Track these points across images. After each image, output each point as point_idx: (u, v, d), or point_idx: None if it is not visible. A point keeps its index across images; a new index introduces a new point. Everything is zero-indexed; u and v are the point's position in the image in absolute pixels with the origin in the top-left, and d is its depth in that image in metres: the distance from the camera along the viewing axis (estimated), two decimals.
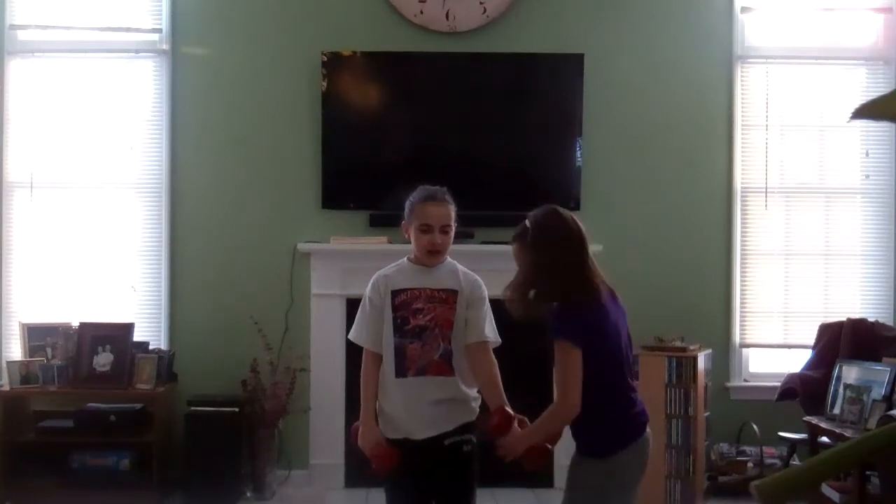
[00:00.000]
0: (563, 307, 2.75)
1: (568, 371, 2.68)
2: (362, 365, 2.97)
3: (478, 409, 3.00)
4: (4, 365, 4.86)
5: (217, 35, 5.08)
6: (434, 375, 2.90)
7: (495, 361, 2.96)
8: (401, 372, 2.90)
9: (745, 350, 5.18)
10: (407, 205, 2.98)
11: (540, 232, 2.78)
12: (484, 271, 4.89)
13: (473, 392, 2.99)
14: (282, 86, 5.04)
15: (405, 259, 3.02)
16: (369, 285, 2.98)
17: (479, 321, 2.93)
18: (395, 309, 2.91)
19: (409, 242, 3.00)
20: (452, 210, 2.98)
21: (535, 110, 5.00)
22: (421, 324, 2.90)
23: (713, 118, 5.13)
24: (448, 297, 2.92)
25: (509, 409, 2.89)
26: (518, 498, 4.74)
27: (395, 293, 2.92)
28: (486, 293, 2.98)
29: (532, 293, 2.77)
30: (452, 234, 2.98)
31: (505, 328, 3.01)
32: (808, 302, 5.17)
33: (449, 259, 3.02)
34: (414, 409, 2.90)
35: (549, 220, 2.82)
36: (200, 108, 5.06)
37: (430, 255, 2.94)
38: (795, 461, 4.77)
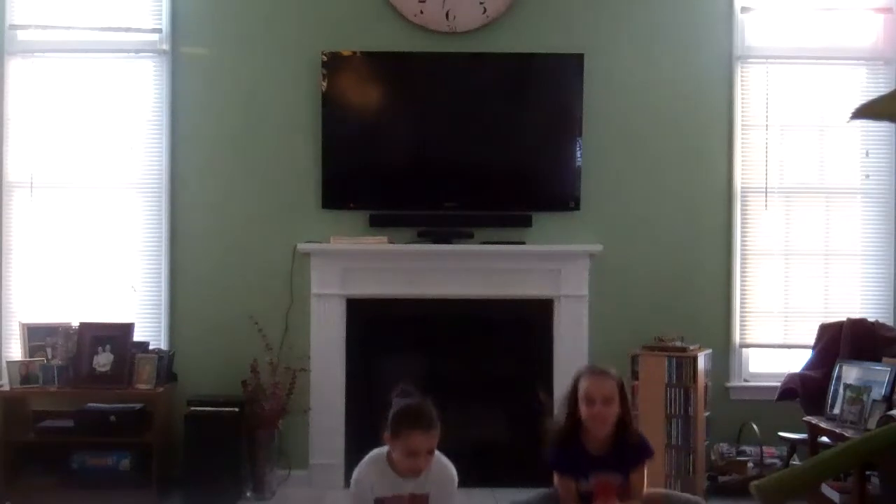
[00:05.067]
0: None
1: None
2: None
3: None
4: (4, 365, 4.86)
5: (217, 35, 5.08)
6: None
7: None
8: None
9: (745, 350, 5.18)
10: (390, 420, 3.07)
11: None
12: (484, 271, 4.96)
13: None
14: (282, 86, 5.04)
15: (383, 459, 3.13)
16: (355, 482, 3.14)
17: None
18: None
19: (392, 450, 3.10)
20: (437, 433, 3.06)
21: (535, 110, 5.00)
22: None
23: (713, 118, 5.13)
24: (424, 501, 3.11)
25: None
26: (518, 498, 4.73)
27: (378, 500, 3.09)
28: (455, 484, 3.16)
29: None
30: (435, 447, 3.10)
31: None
32: (808, 302, 5.17)
33: None
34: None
35: None
36: (200, 108, 5.06)
37: (414, 475, 3.08)
38: (795, 461, 4.77)
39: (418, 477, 3.10)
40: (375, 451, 3.18)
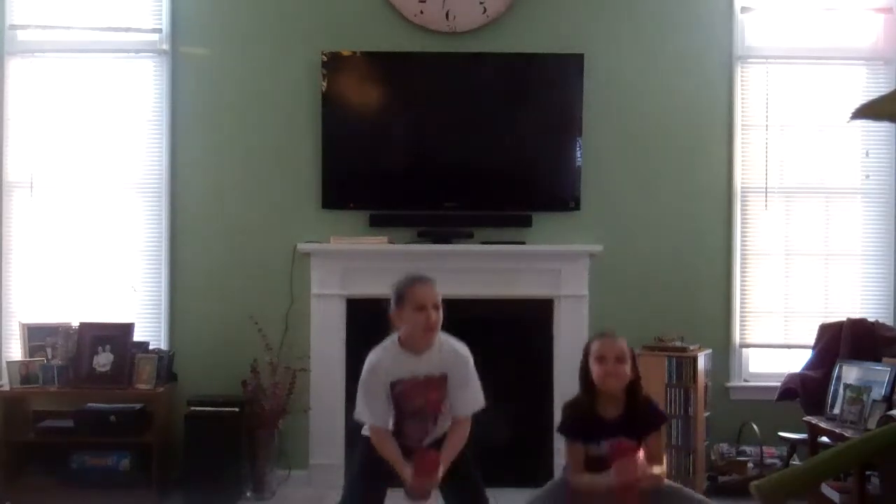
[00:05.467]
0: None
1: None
2: (375, 440, 3.15)
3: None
4: (4, 365, 4.86)
5: (217, 35, 5.08)
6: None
7: (467, 434, 3.21)
8: None
9: (745, 350, 5.18)
10: (393, 293, 3.17)
11: None
12: (484, 271, 4.96)
13: None
14: (282, 86, 5.04)
15: (395, 343, 3.18)
16: (369, 370, 3.17)
17: (460, 401, 3.18)
18: (393, 397, 3.14)
19: (398, 330, 3.18)
20: (438, 289, 3.17)
21: (535, 110, 4.99)
22: (417, 406, 3.16)
23: (713, 118, 5.13)
24: (439, 383, 3.16)
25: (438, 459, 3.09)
26: (518, 498, 4.72)
27: (392, 384, 3.14)
28: (470, 364, 3.20)
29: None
30: (441, 312, 3.15)
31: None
32: (808, 302, 5.17)
33: (438, 335, 3.18)
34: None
35: None
36: (200, 108, 5.06)
37: (427, 333, 3.13)
38: (795, 461, 4.77)
39: (433, 339, 3.13)
40: (386, 340, 3.21)
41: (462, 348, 3.21)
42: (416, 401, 3.15)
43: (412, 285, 3.14)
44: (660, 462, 3.26)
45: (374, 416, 3.14)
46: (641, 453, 3.14)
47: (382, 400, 3.13)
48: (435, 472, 3.03)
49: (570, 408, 3.31)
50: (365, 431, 3.19)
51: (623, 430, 3.21)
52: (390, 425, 3.15)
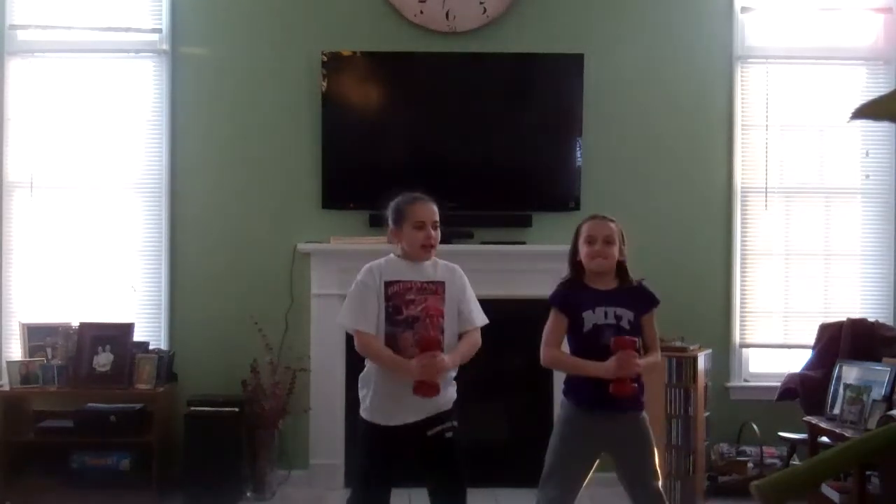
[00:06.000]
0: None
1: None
2: (364, 346, 3.07)
3: (456, 395, 3.18)
4: (4, 365, 4.86)
5: (217, 35, 5.08)
6: None
7: (478, 343, 3.18)
8: None
9: (745, 350, 5.18)
10: (392, 210, 3.18)
11: None
12: (484, 271, 4.94)
13: (452, 378, 3.15)
14: (282, 86, 5.04)
15: (392, 255, 3.18)
16: (363, 272, 3.13)
17: (470, 312, 3.16)
18: (387, 299, 3.07)
19: (398, 246, 3.17)
20: (437, 207, 3.18)
21: (535, 110, 4.99)
22: (413, 314, 3.05)
23: (713, 118, 5.13)
24: (437, 289, 3.12)
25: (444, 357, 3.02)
26: (518, 498, 4.73)
27: (387, 284, 3.08)
28: (466, 279, 3.22)
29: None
30: (440, 231, 3.17)
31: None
32: (808, 302, 5.17)
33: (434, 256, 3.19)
34: (400, 396, 3.04)
35: None
36: (200, 108, 5.06)
37: (425, 250, 3.12)
38: (795, 461, 4.77)
39: (430, 255, 3.13)
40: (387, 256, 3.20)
41: (457, 266, 3.21)
42: (411, 307, 3.06)
43: (412, 203, 3.15)
44: (655, 347, 3.29)
45: (362, 317, 3.04)
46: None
47: (373, 302, 3.05)
48: (439, 347, 2.98)
49: (562, 283, 3.34)
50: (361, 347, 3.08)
51: (619, 300, 3.23)
52: (381, 333, 3.05)
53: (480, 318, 3.18)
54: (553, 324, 3.25)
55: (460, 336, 3.14)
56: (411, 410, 3.06)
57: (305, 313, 4.97)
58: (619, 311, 3.21)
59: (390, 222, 3.17)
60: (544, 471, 3.21)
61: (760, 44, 5.19)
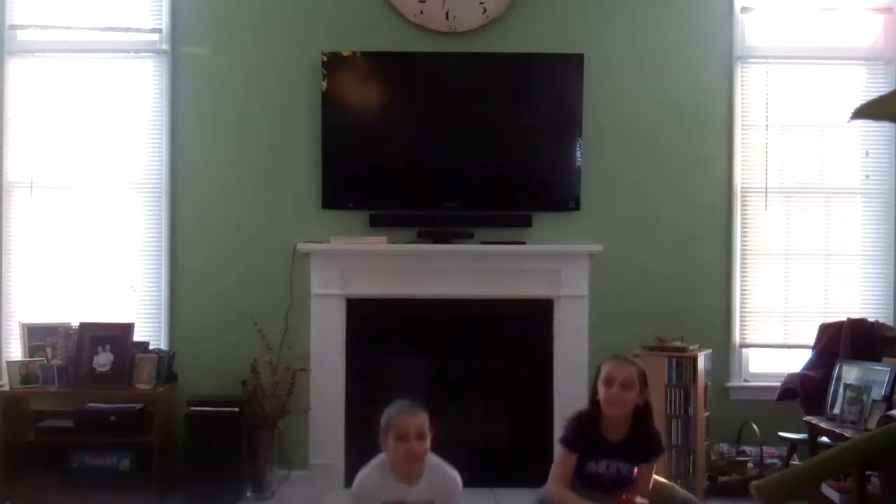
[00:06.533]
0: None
1: None
2: None
3: None
4: (4, 365, 4.86)
5: (217, 35, 5.08)
6: None
7: None
8: None
9: (745, 350, 5.18)
10: (382, 419, 3.13)
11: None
12: (484, 271, 4.95)
13: None
14: (282, 86, 5.04)
15: (384, 465, 3.14)
16: (354, 493, 3.13)
17: None
18: None
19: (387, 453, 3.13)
20: (426, 418, 3.11)
21: (535, 110, 4.99)
22: None
23: (713, 118, 5.13)
24: None
25: None
26: (518, 498, 4.73)
27: None
28: (459, 491, 3.15)
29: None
30: (429, 441, 3.10)
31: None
32: (808, 302, 5.17)
33: (429, 460, 3.13)
34: None
35: None
36: (200, 108, 5.06)
37: (408, 464, 3.09)
38: (795, 461, 4.77)
39: (416, 469, 3.09)
40: (381, 456, 3.17)
41: (453, 475, 3.17)
42: None
43: (398, 414, 3.11)
44: (645, 493, 3.27)
45: None
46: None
47: None
48: None
49: (575, 421, 3.32)
50: None
51: (625, 453, 3.24)
52: None
53: None
54: (562, 461, 3.29)
55: None
56: None
57: (305, 313, 4.97)
58: (622, 465, 3.26)
59: (381, 429, 3.13)
60: None
61: (760, 44, 5.19)
